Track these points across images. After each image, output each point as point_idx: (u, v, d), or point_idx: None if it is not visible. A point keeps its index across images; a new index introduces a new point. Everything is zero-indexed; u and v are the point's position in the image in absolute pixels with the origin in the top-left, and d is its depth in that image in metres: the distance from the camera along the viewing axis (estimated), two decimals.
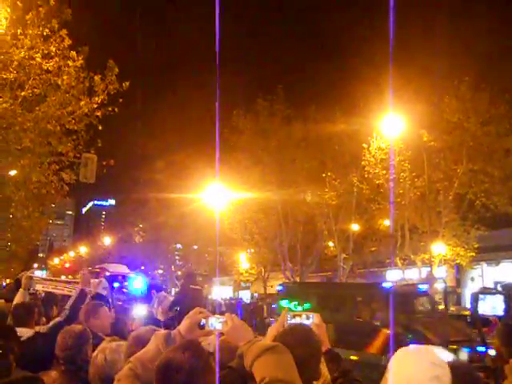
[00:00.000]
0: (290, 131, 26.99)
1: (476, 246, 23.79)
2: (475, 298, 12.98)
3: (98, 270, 22.52)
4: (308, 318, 3.32)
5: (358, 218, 27.18)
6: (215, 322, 2.41)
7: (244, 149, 27.82)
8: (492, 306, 13.25)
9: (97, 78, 14.04)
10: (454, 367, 2.08)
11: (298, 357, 2.38)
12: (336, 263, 27.74)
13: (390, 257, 26.58)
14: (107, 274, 20.11)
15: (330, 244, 28.84)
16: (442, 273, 26.18)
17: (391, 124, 21.74)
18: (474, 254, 23.94)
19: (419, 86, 23.07)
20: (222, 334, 2.41)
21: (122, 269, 23.92)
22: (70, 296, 5.49)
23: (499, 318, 12.33)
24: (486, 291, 15.24)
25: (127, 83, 14.37)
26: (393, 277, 27.95)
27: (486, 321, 12.78)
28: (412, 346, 2.10)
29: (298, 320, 3.31)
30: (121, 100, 14.49)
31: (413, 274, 25.16)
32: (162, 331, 2.59)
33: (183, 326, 2.44)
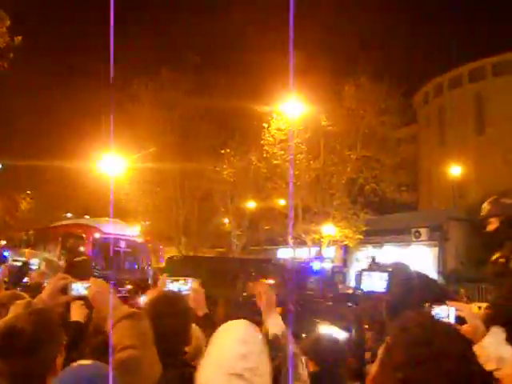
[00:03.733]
0: (194, 105, 26.62)
1: (364, 228, 24.94)
2: (359, 275, 13.53)
3: None
4: (186, 282, 3.40)
5: (254, 196, 27.56)
6: (80, 288, 2.37)
7: (144, 119, 27.10)
8: (375, 283, 13.91)
9: None
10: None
11: (167, 324, 2.53)
12: (230, 240, 28.01)
13: (282, 235, 27.22)
14: None
15: (226, 220, 29.02)
16: (330, 253, 27.27)
17: (292, 106, 22.06)
18: (361, 236, 25.11)
19: (321, 71, 23.64)
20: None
21: None
22: None
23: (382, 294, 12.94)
24: (371, 268, 16.04)
25: (19, 38, 13.42)
26: (284, 255, 28.71)
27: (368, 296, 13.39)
28: (229, 322, 2.03)
29: (176, 285, 3.41)
30: (12, 55, 13.55)
31: (303, 253, 25.95)
32: (23, 300, 2.50)
33: (45, 292, 2.36)
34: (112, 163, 23.92)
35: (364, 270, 4.28)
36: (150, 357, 1.98)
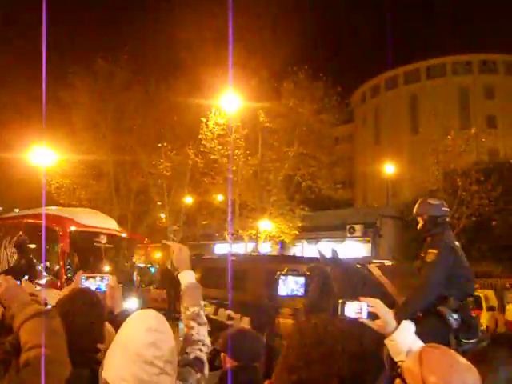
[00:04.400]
0: (130, 97, 26.08)
1: (299, 224, 25.26)
2: (276, 279, 13.62)
3: None
4: (102, 279, 3.35)
5: (191, 191, 27.33)
6: None
7: (79, 110, 26.31)
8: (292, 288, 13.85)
9: None
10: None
11: (78, 322, 2.52)
12: (166, 235, 27.66)
13: (219, 231, 27.16)
14: None
15: (162, 215, 28.64)
16: (266, 248, 27.44)
17: (230, 101, 21.99)
18: (297, 232, 25.43)
19: (260, 67, 23.72)
20: None
21: None
22: None
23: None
24: (288, 273, 16.12)
25: None
26: (220, 250, 28.68)
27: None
28: (137, 312, 2.00)
29: (92, 282, 3.35)
30: None
31: (240, 249, 26.00)
32: None
33: None
34: (43, 154, 23.03)
35: (282, 274, 4.31)
36: (59, 355, 1.93)
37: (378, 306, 2.28)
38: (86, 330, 2.57)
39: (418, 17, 75.70)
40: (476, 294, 6.02)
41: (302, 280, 4.35)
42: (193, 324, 2.32)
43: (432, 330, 4.21)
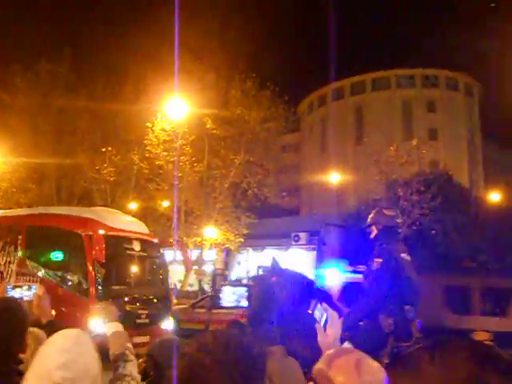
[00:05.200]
0: (74, 99, 25.45)
1: (245, 232, 25.28)
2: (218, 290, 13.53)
3: None
4: (30, 288, 3.32)
5: (135, 197, 26.89)
6: None
7: (19, 111, 25.49)
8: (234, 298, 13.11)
9: None
10: None
11: None
12: None
13: (164, 237, 26.80)
14: None
15: None
16: (211, 256, 27.31)
17: (177, 107, 21.82)
18: (242, 239, 25.43)
19: (207, 73, 23.70)
20: None
21: None
22: None
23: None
24: (232, 284, 16.16)
25: None
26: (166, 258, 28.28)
27: None
28: (59, 332, 1.95)
29: (18, 291, 3.30)
30: None
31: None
32: None
33: None
34: None
35: (223, 285, 4.32)
36: None
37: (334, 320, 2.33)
38: (6, 339, 2.50)
39: (367, 29, 77.61)
40: None
41: (243, 291, 4.35)
42: (119, 363, 2.47)
43: (369, 333, 4.42)
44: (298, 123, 47.71)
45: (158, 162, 23.75)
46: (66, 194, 27.07)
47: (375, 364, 1.54)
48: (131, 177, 25.76)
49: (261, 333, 2.95)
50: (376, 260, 4.81)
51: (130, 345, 2.63)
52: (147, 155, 23.90)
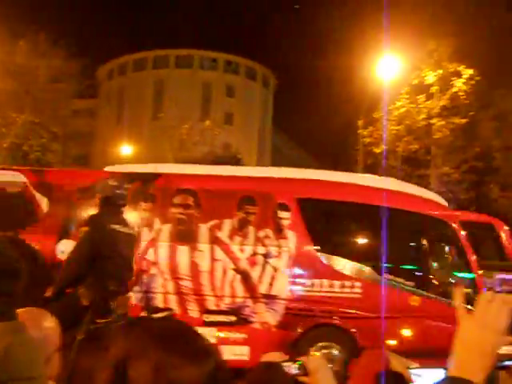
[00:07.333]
0: None
1: None
2: None
3: None
4: None
5: None
6: None
7: None
8: None
9: None
10: None
11: None
12: None
13: None
14: None
15: None
16: None
17: None
18: None
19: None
20: None
21: None
22: None
23: None
24: None
25: None
26: None
27: None
28: None
29: None
30: None
31: None
32: None
33: None
34: None
35: None
36: None
37: None
38: None
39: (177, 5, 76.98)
40: None
41: None
42: None
43: (63, 308, 4.03)
44: (96, 89, 45.57)
45: None
46: None
47: None
48: None
49: None
50: (84, 228, 4.71)
51: None
52: None
